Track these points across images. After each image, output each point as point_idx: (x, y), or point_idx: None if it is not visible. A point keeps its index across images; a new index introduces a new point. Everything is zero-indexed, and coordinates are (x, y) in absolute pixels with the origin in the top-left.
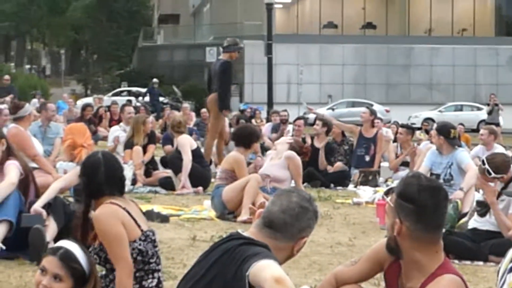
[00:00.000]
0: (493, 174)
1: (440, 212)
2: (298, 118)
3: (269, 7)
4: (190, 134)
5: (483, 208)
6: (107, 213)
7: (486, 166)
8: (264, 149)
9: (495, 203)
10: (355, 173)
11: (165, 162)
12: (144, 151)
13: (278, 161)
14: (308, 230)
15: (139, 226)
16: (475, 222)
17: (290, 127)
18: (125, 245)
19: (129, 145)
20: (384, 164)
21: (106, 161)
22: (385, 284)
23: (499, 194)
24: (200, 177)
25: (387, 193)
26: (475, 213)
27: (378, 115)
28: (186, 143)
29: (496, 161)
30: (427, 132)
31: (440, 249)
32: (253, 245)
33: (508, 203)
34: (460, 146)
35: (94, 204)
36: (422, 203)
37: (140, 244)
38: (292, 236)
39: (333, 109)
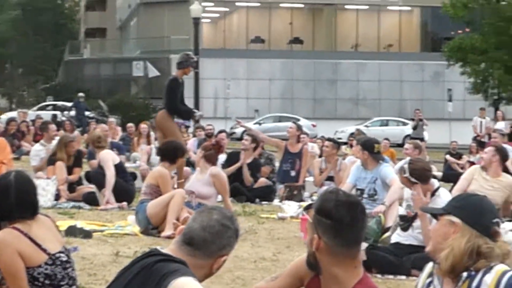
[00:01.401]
0: (407, 174)
1: (357, 227)
2: (220, 132)
3: (196, 22)
4: (113, 149)
5: (405, 222)
6: (2, 242)
7: (405, 165)
8: (190, 164)
9: (426, 216)
10: (280, 188)
11: (89, 177)
12: (70, 173)
13: (203, 177)
14: (228, 248)
15: (44, 250)
16: (398, 236)
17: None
18: (19, 276)
19: (51, 161)
20: (309, 179)
21: (18, 183)
22: None
23: None
24: (124, 192)
25: (307, 208)
26: (398, 227)
27: (305, 130)
28: (108, 158)
29: (416, 165)
30: (352, 147)
31: (359, 264)
32: (171, 261)
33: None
34: (384, 160)
35: (7, 226)
36: (339, 218)
37: (46, 269)
38: (211, 254)
39: (260, 124)
